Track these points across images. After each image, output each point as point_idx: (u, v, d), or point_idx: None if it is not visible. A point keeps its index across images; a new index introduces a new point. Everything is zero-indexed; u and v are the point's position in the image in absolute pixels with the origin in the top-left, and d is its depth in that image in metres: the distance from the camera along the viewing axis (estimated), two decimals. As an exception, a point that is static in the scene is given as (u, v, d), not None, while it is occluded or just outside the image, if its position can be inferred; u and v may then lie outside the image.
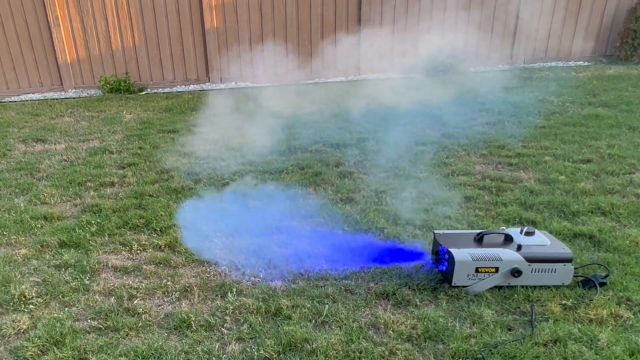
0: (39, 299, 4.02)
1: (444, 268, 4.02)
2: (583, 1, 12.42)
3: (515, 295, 3.81)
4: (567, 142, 6.97)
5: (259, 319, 3.70)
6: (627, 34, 12.39)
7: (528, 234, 4.03)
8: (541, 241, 3.97)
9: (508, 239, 4.04)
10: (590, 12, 12.54)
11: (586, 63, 12.66)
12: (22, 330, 3.69)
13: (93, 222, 5.27)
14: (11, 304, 3.99)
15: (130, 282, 4.24)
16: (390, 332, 3.51)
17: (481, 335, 3.43)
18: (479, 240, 4.07)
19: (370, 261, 4.37)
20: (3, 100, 12.23)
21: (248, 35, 12.47)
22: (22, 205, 5.82)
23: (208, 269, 4.40)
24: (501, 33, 12.64)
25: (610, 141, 6.87)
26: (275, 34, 12.50)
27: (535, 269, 3.82)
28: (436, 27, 12.23)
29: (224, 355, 3.39)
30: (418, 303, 3.81)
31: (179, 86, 12.71)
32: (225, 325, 3.66)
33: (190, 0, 12.05)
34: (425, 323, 3.56)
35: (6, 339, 3.63)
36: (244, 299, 3.93)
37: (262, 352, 3.36)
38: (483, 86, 10.55)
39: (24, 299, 4.02)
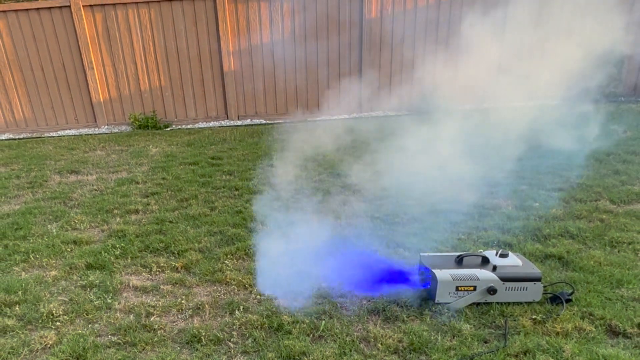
0: (65, 317, 4.04)
1: (428, 286, 4.02)
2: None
3: (491, 311, 3.80)
4: (542, 173, 6.96)
5: (263, 333, 3.70)
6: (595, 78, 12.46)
7: (503, 255, 4.04)
8: (514, 262, 3.98)
9: (485, 261, 4.05)
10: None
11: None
12: (48, 346, 3.70)
13: (118, 246, 5.29)
14: (40, 321, 4.01)
15: (149, 301, 4.25)
16: (379, 345, 3.50)
17: (460, 347, 3.42)
18: (459, 261, 4.08)
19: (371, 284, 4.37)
20: (42, 136, 12.39)
21: (262, 77, 12.56)
22: (54, 231, 5.86)
23: (219, 288, 4.41)
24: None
25: (579, 172, 6.86)
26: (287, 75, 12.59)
27: (509, 287, 3.83)
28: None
29: (230, 367, 3.40)
30: (405, 318, 3.80)
31: (200, 123, 12.79)
32: (232, 340, 3.66)
33: (211, 46, 12.19)
34: (410, 337, 3.55)
35: (34, 353, 3.65)
36: (250, 315, 3.93)
37: (263, 364, 3.36)
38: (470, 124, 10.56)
39: (51, 317, 4.04)
